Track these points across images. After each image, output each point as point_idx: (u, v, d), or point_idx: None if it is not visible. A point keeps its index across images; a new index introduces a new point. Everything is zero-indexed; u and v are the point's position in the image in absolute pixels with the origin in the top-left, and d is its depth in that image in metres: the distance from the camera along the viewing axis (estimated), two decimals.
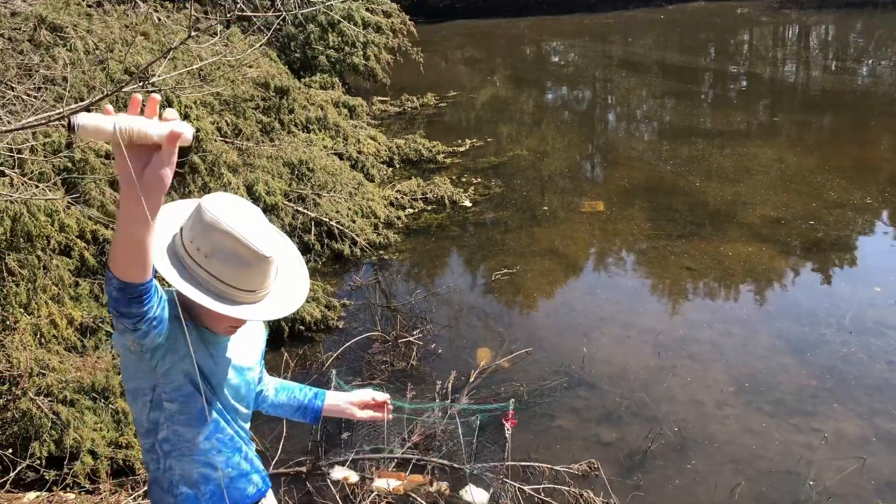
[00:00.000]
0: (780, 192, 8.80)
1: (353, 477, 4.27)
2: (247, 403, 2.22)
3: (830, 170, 9.41)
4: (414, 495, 4.14)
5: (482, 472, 4.07)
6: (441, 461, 4.38)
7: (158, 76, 4.06)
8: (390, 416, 2.52)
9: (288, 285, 2.05)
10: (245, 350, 2.20)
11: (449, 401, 4.49)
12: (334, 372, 4.85)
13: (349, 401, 2.49)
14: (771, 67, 16.72)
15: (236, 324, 2.03)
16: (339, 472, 4.32)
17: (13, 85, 5.01)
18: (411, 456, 4.47)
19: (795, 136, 11.38)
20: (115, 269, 1.64)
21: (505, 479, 4.08)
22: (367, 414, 2.51)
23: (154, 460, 2.09)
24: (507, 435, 4.11)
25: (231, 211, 1.84)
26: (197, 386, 1.97)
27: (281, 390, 2.49)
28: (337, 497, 4.26)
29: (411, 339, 6.02)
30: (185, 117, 6.32)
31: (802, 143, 10.86)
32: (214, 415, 2.08)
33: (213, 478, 2.12)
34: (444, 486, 4.17)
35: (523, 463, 4.52)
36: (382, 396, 2.52)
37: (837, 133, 11.56)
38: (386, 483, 4.16)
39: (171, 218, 1.96)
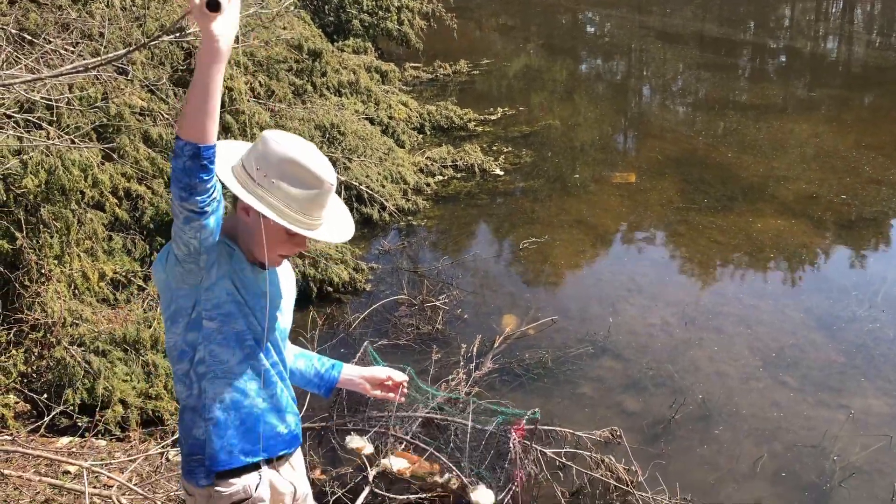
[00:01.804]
0: (814, 168, 8.66)
1: (368, 448, 4.30)
2: (282, 345, 2.26)
3: (868, 147, 9.23)
4: (415, 481, 4.14)
5: (488, 478, 4.06)
6: (464, 421, 4.40)
7: (192, 30, 4.07)
8: (402, 399, 2.53)
9: (338, 217, 2.18)
10: (284, 292, 2.26)
11: (472, 395, 4.46)
12: (368, 345, 4.85)
13: (363, 376, 2.51)
14: (812, 42, 16.35)
15: (289, 252, 2.12)
16: (355, 442, 4.34)
17: (51, 39, 5.06)
18: (434, 415, 4.50)
19: (834, 112, 11.15)
20: (188, 132, 1.81)
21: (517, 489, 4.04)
22: (380, 393, 2.53)
23: (187, 386, 2.13)
24: (511, 444, 4.08)
25: (295, 141, 2.00)
26: (238, 304, 2.06)
27: (300, 357, 2.52)
28: (362, 453, 4.32)
29: (437, 303, 6.05)
30: None
31: (840, 120, 10.64)
32: (251, 340, 2.12)
33: (244, 405, 2.15)
34: (452, 479, 4.13)
35: (546, 427, 4.54)
36: (400, 377, 2.52)
37: (877, 110, 11.30)
38: (390, 463, 4.15)
39: (226, 152, 2.09)
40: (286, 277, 2.32)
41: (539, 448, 4.21)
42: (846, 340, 5.51)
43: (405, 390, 2.53)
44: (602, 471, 4.17)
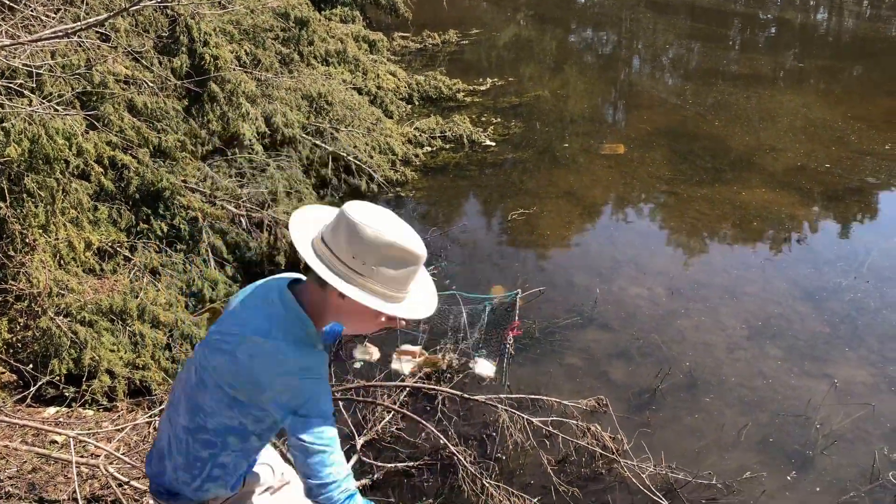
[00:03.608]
0: (803, 140, 8.66)
1: (376, 354, 4.38)
2: None
3: (856, 118, 9.24)
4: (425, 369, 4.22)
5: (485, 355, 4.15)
6: (451, 391, 4.43)
7: None
8: (403, 324, 2.50)
9: (425, 283, 2.11)
10: None
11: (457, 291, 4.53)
12: None
13: None
14: (802, 13, 16.29)
15: (381, 327, 2.06)
16: (360, 353, 4.43)
17: (31, 4, 4.97)
18: (422, 385, 4.52)
19: (823, 83, 11.14)
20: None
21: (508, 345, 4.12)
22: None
23: (193, 477, 2.10)
24: (508, 343, 4.13)
25: (385, 220, 1.90)
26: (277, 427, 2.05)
27: None
28: (349, 422, 4.34)
29: None
30: (205, 45, 6.26)
31: (830, 91, 10.64)
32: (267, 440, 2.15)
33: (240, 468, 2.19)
34: (454, 358, 4.22)
35: (532, 396, 4.57)
36: None
37: (866, 82, 11.30)
38: (401, 367, 4.24)
39: (304, 223, 2.01)
40: None
41: (526, 417, 4.23)
42: (831, 311, 5.55)
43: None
44: (588, 439, 4.21)
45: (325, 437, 1.88)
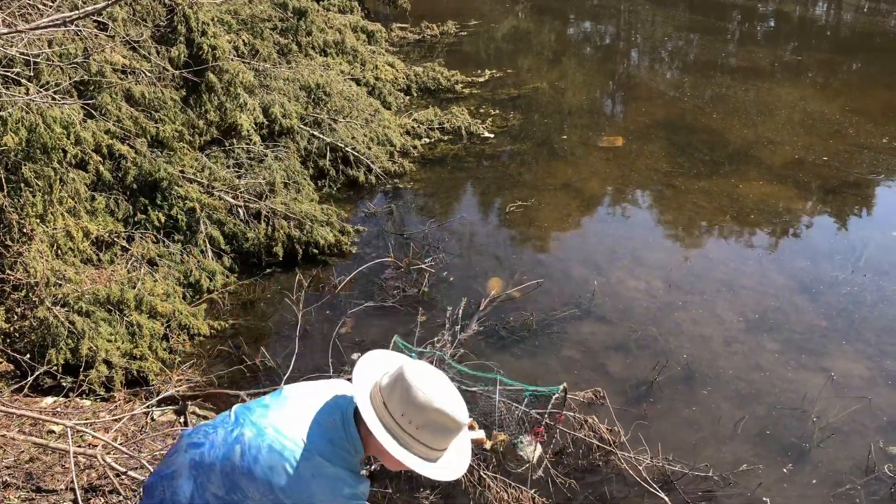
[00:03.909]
0: (801, 133, 8.66)
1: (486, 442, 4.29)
2: None
3: (854, 111, 9.24)
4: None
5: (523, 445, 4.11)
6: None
7: None
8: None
9: (463, 444, 2.23)
10: None
11: (498, 378, 4.46)
12: (398, 338, 4.81)
13: None
14: (801, 6, 16.26)
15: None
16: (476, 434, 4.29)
17: None
18: None
19: (821, 77, 11.13)
20: None
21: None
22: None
23: None
24: (533, 446, 4.11)
25: (437, 385, 2.04)
26: None
27: None
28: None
29: (423, 266, 6.04)
30: (202, 34, 6.24)
31: (828, 85, 10.63)
32: None
33: None
34: (503, 437, 4.18)
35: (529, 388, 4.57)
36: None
37: (865, 76, 11.29)
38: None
39: (369, 366, 2.14)
40: None
41: (523, 408, 4.24)
42: (828, 304, 5.56)
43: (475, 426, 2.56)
44: (585, 431, 4.21)
45: None
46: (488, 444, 4.11)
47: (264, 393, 4.31)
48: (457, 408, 2.06)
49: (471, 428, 4.06)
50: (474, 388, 4.36)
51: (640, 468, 4.05)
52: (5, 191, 4.62)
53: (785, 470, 4.15)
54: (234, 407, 2.19)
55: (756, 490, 4.01)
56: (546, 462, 4.09)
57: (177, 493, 2.11)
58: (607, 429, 4.25)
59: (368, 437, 2.10)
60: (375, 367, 2.17)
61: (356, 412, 2.12)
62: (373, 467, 4.00)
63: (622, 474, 4.09)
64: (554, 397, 4.33)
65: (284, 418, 2.08)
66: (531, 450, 4.03)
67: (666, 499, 3.90)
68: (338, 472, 2.02)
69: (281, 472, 1.99)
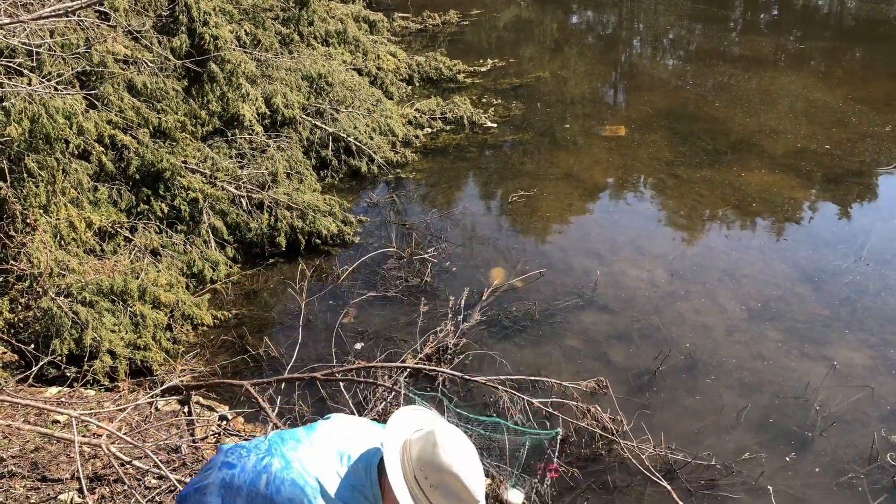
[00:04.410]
0: (803, 122, 8.64)
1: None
2: None
3: (857, 100, 9.20)
4: None
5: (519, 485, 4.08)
6: (452, 372, 4.42)
7: None
8: None
9: None
10: None
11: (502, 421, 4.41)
12: (414, 396, 4.75)
13: None
14: None
15: None
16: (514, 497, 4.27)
17: None
18: (423, 366, 4.53)
19: (824, 65, 11.09)
20: None
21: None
22: None
23: None
24: (547, 482, 4.09)
25: (461, 458, 2.05)
26: None
27: None
28: (350, 403, 4.35)
29: (426, 256, 6.05)
30: (204, 24, 6.23)
31: (831, 73, 10.59)
32: None
33: None
34: (487, 481, 4.15)
35: (532, 377, 4.58)
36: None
37: (869, 65, 11.24)
38: None
39: (406, 422, 2.18)
40: None
41: (526, 398, 4.25)
42: (830, 293, 5.56)
43: None
44: (588, 420, 4.22)
45: None
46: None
47: (267, 383, 4.33)
48: (474, 481, 2.07)
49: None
50: (478, 428, 4.34)
51: (643, 457, 4.06)
52: (8, 181, 4.62)
53: (787, 458, 4.17)
54: (270, 434, 2.26)
55: (759, 478, 4.02)
56: (549, 450, 4.10)
57: None
58: (610, 418, 4.25)
59: (388, 492, 2.13)
60: (412, 421, 2.22)
61: (381, 464, 2.17)
62: None
63: (625, 463, 4.11)
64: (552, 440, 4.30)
65: (313, 455, 2.14)
66: (513, 495, 4.01)
67: (668, 487, 3.91)
68: None
69: None
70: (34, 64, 4.92)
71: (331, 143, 7.50)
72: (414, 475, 2.07)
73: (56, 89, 4.73)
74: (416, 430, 2.16)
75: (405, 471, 2.08)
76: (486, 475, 4.07)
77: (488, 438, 4.16)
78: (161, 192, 5.77)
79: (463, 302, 5.38)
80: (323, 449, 2.16)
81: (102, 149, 5.42)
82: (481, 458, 4.12)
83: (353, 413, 4.25)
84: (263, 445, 2.21)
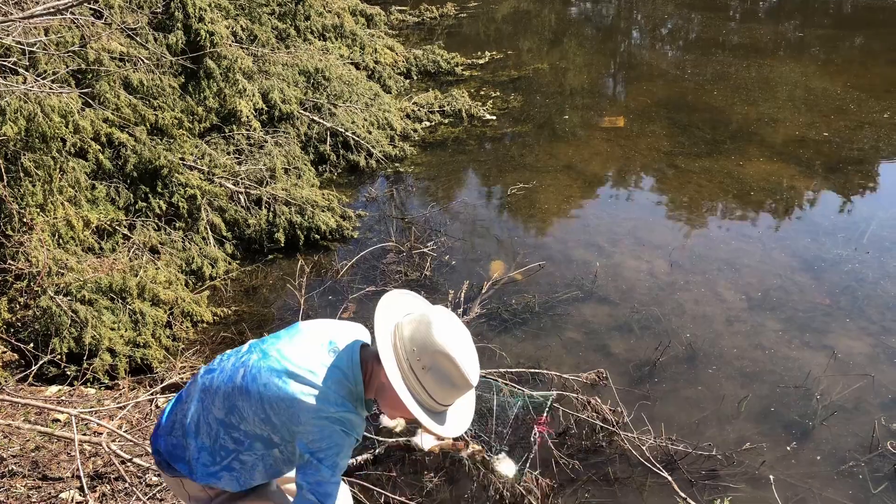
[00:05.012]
0: (803, 110, 8.62)
1: (401, 424, 4.28)
2: None
3: (857, 88, 9.18)
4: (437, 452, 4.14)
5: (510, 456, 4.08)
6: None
7: None
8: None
9: (466, 405, 2.22)
10: None
11: (499, 379, 4.41)
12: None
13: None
14: None
15: (414, 422, 2.27)
16: (386, 420, 4.30)
17: None
18: None
19: (824, 54, 11.05)
20: None
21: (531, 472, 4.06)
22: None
23: (214, 462, 2.18)
24: (533, 438, 4.09)
25: (456, 338, 2.02)
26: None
27: None
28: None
29: (425, 250, 6.04)
30: (200, 20, 6.21)
31: (830, 61, 10.56)
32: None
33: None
34: (479, 448, 4.16)
35: (532, 370, 4.58)
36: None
37: (868, 52, 11.21)
38: (421, 441, 4.13)
39: (396, 305, 2.14)
40: None
41: (526, 391, 4.25)
42: (831, 282, 5.55)
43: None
44: (588, 412, 4.22)
45: (326, 488, 2.02)
46: (465, 453, 4.08)
47: None
48: (468, 364, 2.03)
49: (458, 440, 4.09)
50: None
51: (644, 448, 4.06)
52: (5, 181, 4.61)
53: (788, 448, 4.16)
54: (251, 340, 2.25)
55: (760, 468, 4.02)
56: (549, 442, 4.11)
57: (186, 415, 2.21)
58: (610, 409, 4.25)
59: (374, 376, 2.10)
60: (402, 304, 2.18)
61: (363, 350, 2.14)
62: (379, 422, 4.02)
63: (625, 454, 4.10)
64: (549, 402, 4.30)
65: (291, 346, 2.12)
66: (506, 466, 4.01)
67: (669, 478, 3.91)
68: (325, 393, 2.01)
69: (273, 387, 2.03)
70: (29, 62, 4.91)
71: (329, 138, 7.49)
72: (406, 357, 2.01)
73: (51, 88, 4.72)
74: (407, 313, 2.12)
75: (397, 353, 2.02)
76: (479, 441, 4.09)
77: (481, 400, 4.16)
78: (159, 190, 5.77)
79: (462, 295, 5.38)
80: (305, 342, 2.13)
81: (99, 147, 5.42)
82: (474, 423, 4.15)
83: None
84: (244, 348, 2.21)
